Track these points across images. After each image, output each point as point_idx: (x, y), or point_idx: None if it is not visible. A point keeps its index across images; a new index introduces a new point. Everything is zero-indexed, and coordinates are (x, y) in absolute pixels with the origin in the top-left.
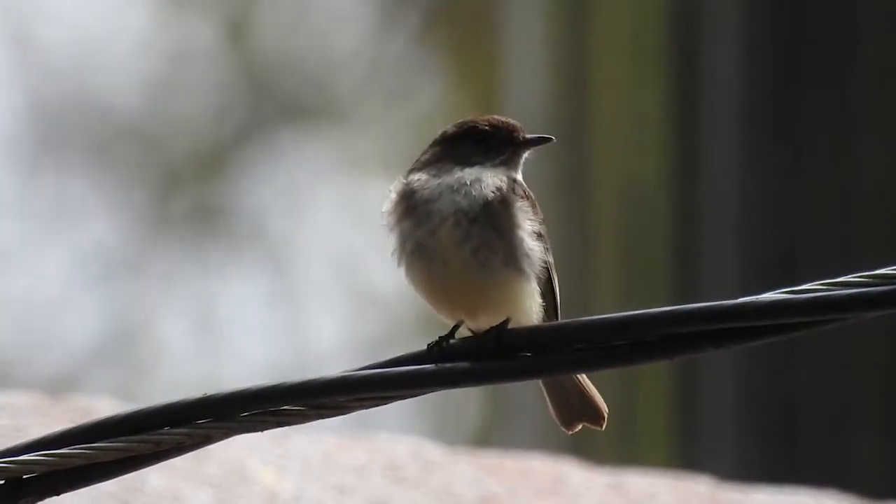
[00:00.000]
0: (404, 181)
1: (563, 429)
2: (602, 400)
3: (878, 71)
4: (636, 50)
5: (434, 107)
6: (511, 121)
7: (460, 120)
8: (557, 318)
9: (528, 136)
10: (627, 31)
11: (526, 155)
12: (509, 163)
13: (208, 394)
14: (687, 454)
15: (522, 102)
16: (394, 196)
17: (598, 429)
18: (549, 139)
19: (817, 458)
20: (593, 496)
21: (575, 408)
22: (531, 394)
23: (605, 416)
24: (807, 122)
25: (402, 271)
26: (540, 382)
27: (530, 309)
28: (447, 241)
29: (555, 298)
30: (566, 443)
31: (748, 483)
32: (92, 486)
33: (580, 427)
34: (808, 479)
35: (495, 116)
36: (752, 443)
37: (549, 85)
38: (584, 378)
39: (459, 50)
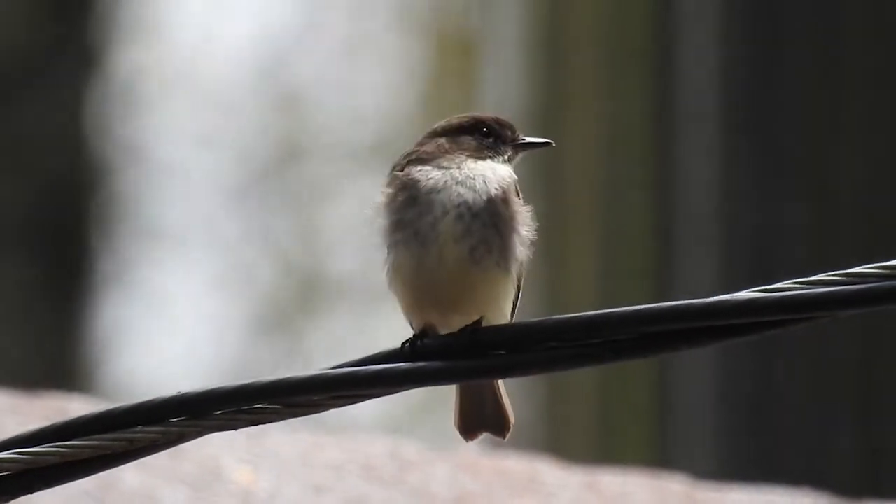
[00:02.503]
0: (400, 172)
1: (463, 437)
2: (512, 410)
3: (855, 72)
4: (614, 52)
5: (416, 104)
6: (510, 121)
7: (461, 114)
8: (512, 319)
9: (528, 138)
10: (605, 33)
11: (519, 157)
12: (511, 162)
13: (182, 392)
14: (663, 453)
15: (500, 103)
16: (392, 187)
17: (501, 439)
18: (548, 143)
19: (793, 456)
20: (568, 495)
21: (484, 415)
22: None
23: (511, 426)
24: (783, 123)
25: (385, 262)
26: (455, 385)
27: (506, 308)
28: (447, 234)
29: (517, 300)
30: (542, 442)
31: (724, 482)
32: (67, 484)
33: (481, 436)
34: (783, 478)
35: (496, 115)
36: (727, 442)
37: (527, 86)
38: (501, 385)
39: (437, 50)
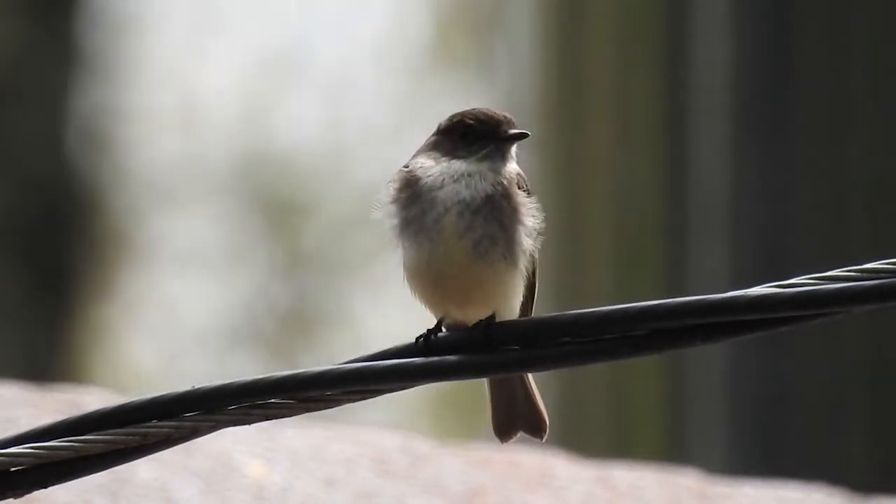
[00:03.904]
0: (406, 169)
1: (499, 439)
2: (545, 410)
3: (869, 65)
4: (627, 44)
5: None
6: (498, 114)
7: (455, 111)
8: (530, 314)
9: (510, 131)
10: (619, 25)
11: (513, 148)
12: (493, 157)
13: (196, 386)
14: (676, 447)
15: (516, 97)
16: (397, 183)
17: (539, 440)
18: (525, 135)
19: (806, 452)
20: (581, 489)
21: (519, 414)
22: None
23: (547, 427)
24: (797, 116)
25: (398, 257)
26: (486, 385)
27: (516, 303)
28: (450, 230)
29: (533, 295)
30: (554, 436)
31: (736, 476)
32: (80, 479)
33: (516, 437)
34: (796, 473)
35: (484, 109)
36: (740, 437)
37: (542, 79)
38: (532, 384)
39: (453, 46)
